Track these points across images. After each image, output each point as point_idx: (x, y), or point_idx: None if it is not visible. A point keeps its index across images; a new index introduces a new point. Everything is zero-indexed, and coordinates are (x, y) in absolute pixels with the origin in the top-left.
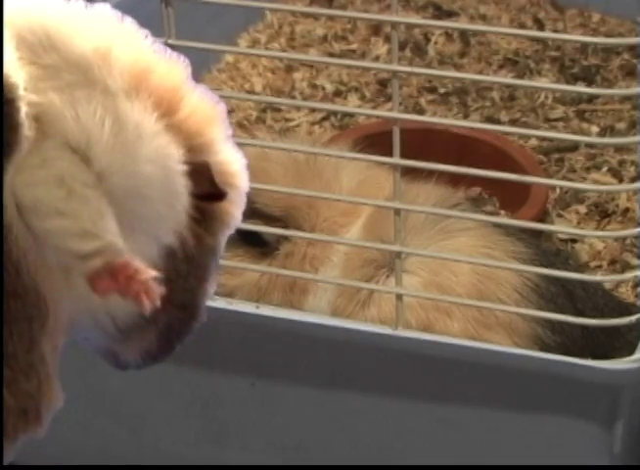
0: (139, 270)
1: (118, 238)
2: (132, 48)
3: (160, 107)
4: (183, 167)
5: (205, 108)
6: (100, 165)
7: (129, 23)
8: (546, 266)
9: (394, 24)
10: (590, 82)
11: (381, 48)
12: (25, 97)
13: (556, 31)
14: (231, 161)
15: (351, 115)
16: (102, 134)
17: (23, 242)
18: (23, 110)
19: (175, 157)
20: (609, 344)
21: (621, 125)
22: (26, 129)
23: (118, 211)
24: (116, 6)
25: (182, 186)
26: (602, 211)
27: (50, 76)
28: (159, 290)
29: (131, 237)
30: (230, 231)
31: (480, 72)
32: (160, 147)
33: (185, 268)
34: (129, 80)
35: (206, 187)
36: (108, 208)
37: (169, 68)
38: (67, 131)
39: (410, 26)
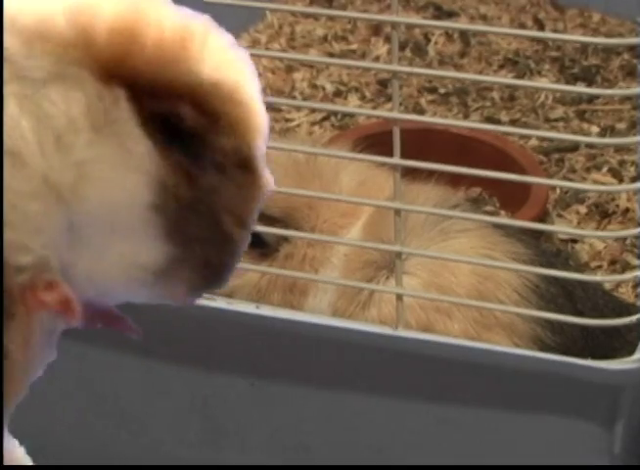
0: (59, 289)
1: (53, 254)
2: (66, 18)
3: (102, 63)
4: (135, 120)
5: (177, 34)
6: (38, 167)
7: None
8: (546, 267)
9: (395, 25)
10: (590, 82)
11: (381, 48)
12: None
13: (556, 32)
14: (220, 79)
15: (351, 115)
16: (26, 134)
17: None
18: None
19: (121, 117)
20: (609, 344)
21: (622, 126)
22: None
23: (75, 203)
24: None
25: (140, 144)
26: (602, 212)
27: None
28: (79, 308)
29: (102, 218)
30: (255, 140)
31: (481, 73)
32: (95, 119)
33: (187, 213)
34: (62, 56)
35: (187, 121)
36: (52, 218)
37: (117, 16)
38: (4, 137)
39: (410, 27)
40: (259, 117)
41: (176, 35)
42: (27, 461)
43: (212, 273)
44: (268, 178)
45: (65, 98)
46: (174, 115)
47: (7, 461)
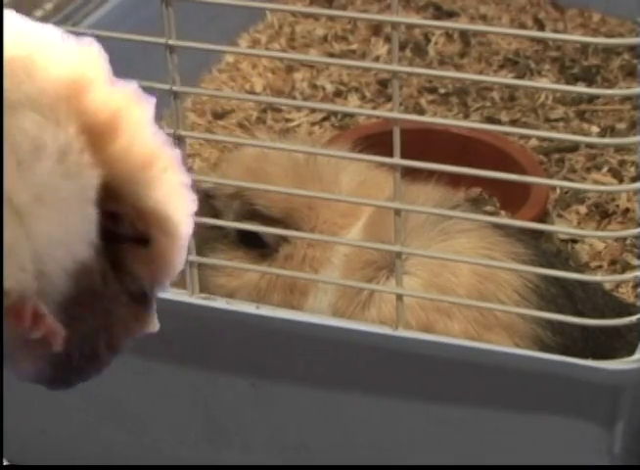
0: (43, 315)
1: (28, 276)
2: (68, 64)
3: (88, 132)
4: (95, 196)
5: (146, 151)
6: (7, 186)
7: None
8: (546, 267)
9: (395, 25)
10: (590, 83)
11: (381, 48)
12: None
13: (556, 32)
14: (171, 208)
15: (351, 115)
16: None
17: None
18: None
19: (88, 180)
20: (609, 344)
21: (622, 126)
22: None
23: (28, 225)
24: (117, 7)
25: (91, 213)
26: (602, 212)
27: None
28: (62, 332)
29: (41, 248)
30: (163, 280)
31: (481, 73)
32: (69, 163)
33: (89, 301)
34: (49, 93)
35: (123, 231)
36: (19, 237)
37: (114, 95)
38: None
39: (410, 27)
40: (180, 263)
41: (145, 151)
42: None
43: (62, 373)
44: (153, 323)
45: (38, 127)
46: (115, 217)
47: None
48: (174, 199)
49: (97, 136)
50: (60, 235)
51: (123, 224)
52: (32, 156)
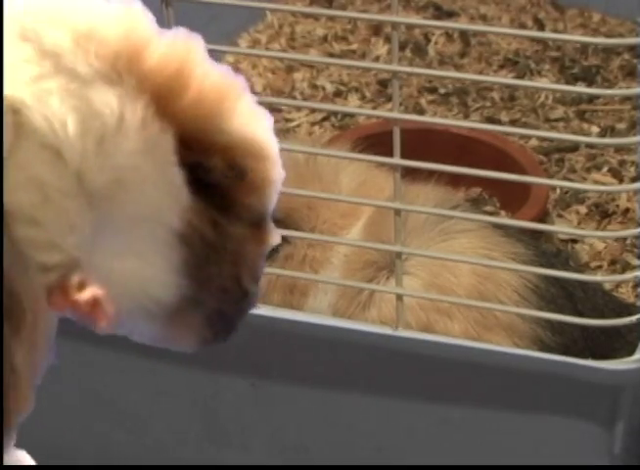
0: (91, 289)
1: (84, 253)
2: (121, 29)
3: (156, 95)
4: (175, 158)
5: (216, 88)
6: (75, 165)
7: (131, 4)
8: (546, 267)
9: (395, 25)
10: (590, 83)
11: (381, 48)
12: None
13: (556, 32)
14: (254, 132)
15: (352, 115)
16: (69, 130)
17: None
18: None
19: (165, 147)
20: (609, 344)
21: (622, 126)
22: (7, 131)
23: (105, 207)
24: None
25: (176, 176)
26: (602, 212)
27: (22, 70)
28: (110, 308)
29: (127, 228)
30: (272, 198)
31: (481, 73)
32: (145, 138)
33: (211, 255)
34: (112, 63)
35: (217, 175)
36: (84, 217)
37: (169, 49)
38: (39, 130)
39: (410, 27)
40: (280, 175)
41: (216, 89)
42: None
43: (223, 327)
44: (275, 234)
45: (118, 101)
46: (204, 167)
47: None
48: (254, 121)
49: (165, 95)
50: (147, 213)
51: (214, 170)
52: (116, 132)
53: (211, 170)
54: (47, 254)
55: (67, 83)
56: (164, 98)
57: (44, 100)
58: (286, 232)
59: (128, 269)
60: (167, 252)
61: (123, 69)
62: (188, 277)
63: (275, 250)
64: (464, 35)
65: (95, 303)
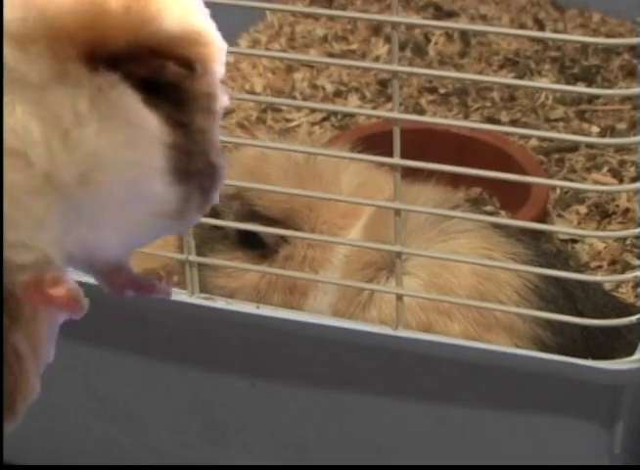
0: (65, 284)
1: (56, 250)
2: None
3: (80, 44)
4: (139, 97)
5: None
6: (43, 166)
7: None
8: (546, 268)
9: (395, 25)
10: (590, 83)
11: (381, 48)
12: None
13: (556, 32)
14: (192, 23)
15: (352, 115)
16: (32, 133)
17: None
18: None
19: (125, 102)
20: (609, 345)
21: (622, 126)
22: None
23: (84, 193)
24: None
25: (149, 119)
26: (602, 212)
27: None
28: (85, 301)
29: (119, 190)
30: (218, 82)
31: (481, 73)
32: (105, 107)
33: (189, 157)
34: (53, 55)
35: (170, 76)
36: (53, 212)
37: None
38: (4, 137)
39: (410, 27)
40: (222, 51)
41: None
42: None
43: (202, 202)
44: (225, 99)
45: (68, 96)
46: (156, 72)
47: None
48: (189, 9)
49: (93, 38)
50: (135, 175)
51: (167, 73)
52: (77, 123)
53: (164, 74)
54: (18, 253)
55: (25, 94)
56: (97, 40)
57: (6, 107)
58: (286, 232)
59: (135, 214)
60: (159, 185)
61: (63, 54)
62: (178, 184)
63: (275, 250)
64: (464, 35)
65: (70, 297)
